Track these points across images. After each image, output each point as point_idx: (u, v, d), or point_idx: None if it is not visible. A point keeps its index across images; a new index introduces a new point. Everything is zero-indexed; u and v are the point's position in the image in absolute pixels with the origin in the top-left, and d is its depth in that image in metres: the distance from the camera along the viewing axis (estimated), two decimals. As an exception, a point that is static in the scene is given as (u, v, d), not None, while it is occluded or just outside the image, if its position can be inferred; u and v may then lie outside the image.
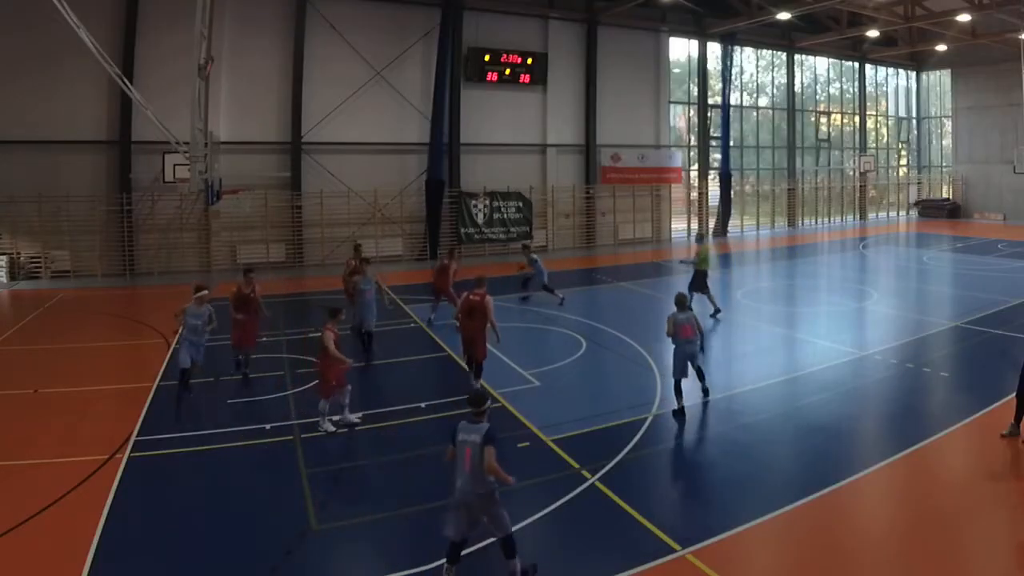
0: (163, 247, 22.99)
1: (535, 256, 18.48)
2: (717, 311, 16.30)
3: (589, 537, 7.01)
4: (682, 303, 10.60)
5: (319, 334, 9.85)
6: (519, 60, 27.80)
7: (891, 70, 42.10)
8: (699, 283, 16.63)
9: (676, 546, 6.66)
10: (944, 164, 42.47)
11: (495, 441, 6.00)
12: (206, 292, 11.10)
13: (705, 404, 10.55)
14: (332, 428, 9.61)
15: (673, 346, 10.26)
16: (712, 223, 33.92)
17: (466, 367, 11.40)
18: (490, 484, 5.98)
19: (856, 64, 39.71)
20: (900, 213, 42.09)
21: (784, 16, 28.94)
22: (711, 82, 34.31)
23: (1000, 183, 37.74)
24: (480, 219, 27.36)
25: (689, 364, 10.24)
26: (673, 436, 9.66)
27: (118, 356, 14.24)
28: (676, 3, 29.89)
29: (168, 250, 23.03)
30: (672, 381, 10.23)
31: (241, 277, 12.48)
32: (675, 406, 10.09)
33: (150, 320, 16.46)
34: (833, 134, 39.87)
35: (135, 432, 9.55)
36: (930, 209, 40.74)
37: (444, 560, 6.13)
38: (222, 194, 17.35)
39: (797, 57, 36.92)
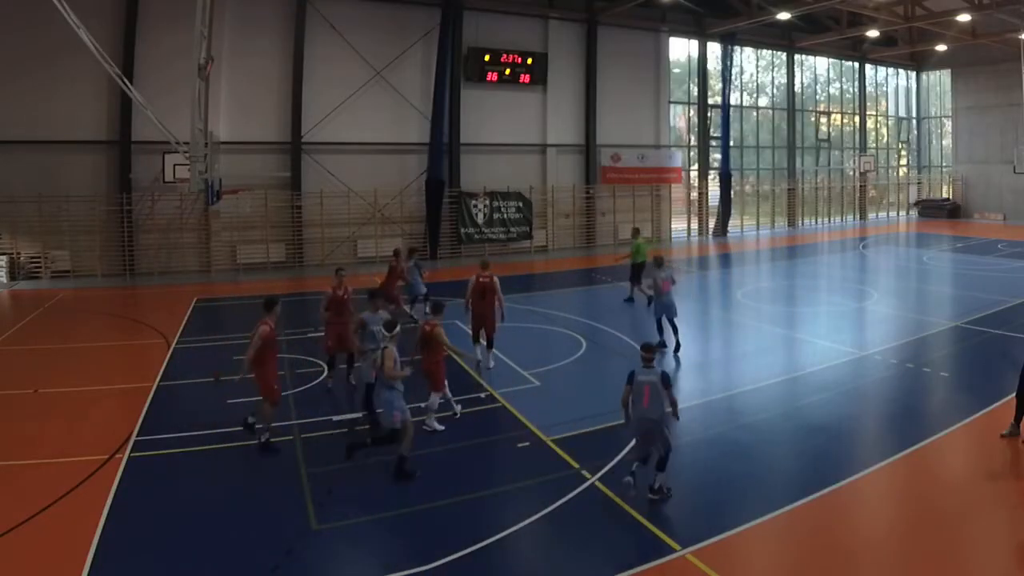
0: (163, 247, 22.99)
1: (413, 263, 16.20)
2: (650, 301, 16.95)
3: (589, 537, 7.01)
4: (660, 262, 13.54)
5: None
6: (519, 60, 27.79)
7: (891, 70, 42.09)
8: (635, 275, 18.04)
9: (676, 546, 6.66)
10: (944, 164, 42.46)
11: (671, 380, 7.84)
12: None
13: (676, 358, 12.90)
14: (440, 427, 9.59)
15: (654, 296, 13.58)
16: (712, 223, 33.93)
17: (473, 343, 12.40)
18: (663, 411, 7.68)
19: (856, 64, 39.70)
20: (900, 213, 42.08)
21: (784, 16, 28.94)
22: (711, 82, 34.31)
23: (1000, 183, 37.72)
24: (480, 219, 27.36)
25: (666, 316, 13.07)
26: (673, 436, 9.65)
27: (118, 356, 14.23)
28: (676, 3, 29.88)
29: (168, 250, 23.03)
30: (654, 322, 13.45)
31: (265, 311, 9.23)
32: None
33: (150, 320, 16.47)
34: (833, 134, 39.86)
35: (135, 432, 9.55)
36: (930, 209, 40.72)
37: (634, 465, 7.62)
38: (222, 194, 17.34)
39: (797, 57, 36.91)
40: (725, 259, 27.84)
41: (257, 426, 9.18)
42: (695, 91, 33.70)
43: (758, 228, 36.07)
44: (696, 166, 34.14)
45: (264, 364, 9.08)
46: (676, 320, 13.17)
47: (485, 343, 12.30)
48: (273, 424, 9.27)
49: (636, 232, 19.78)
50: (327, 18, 24.50)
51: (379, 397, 8.42)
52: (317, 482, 8.13)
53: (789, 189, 37.06)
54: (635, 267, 18.13)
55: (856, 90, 40.12)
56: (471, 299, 12.32)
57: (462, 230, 27.02)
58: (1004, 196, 37.90)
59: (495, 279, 12.31)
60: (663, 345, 12.90)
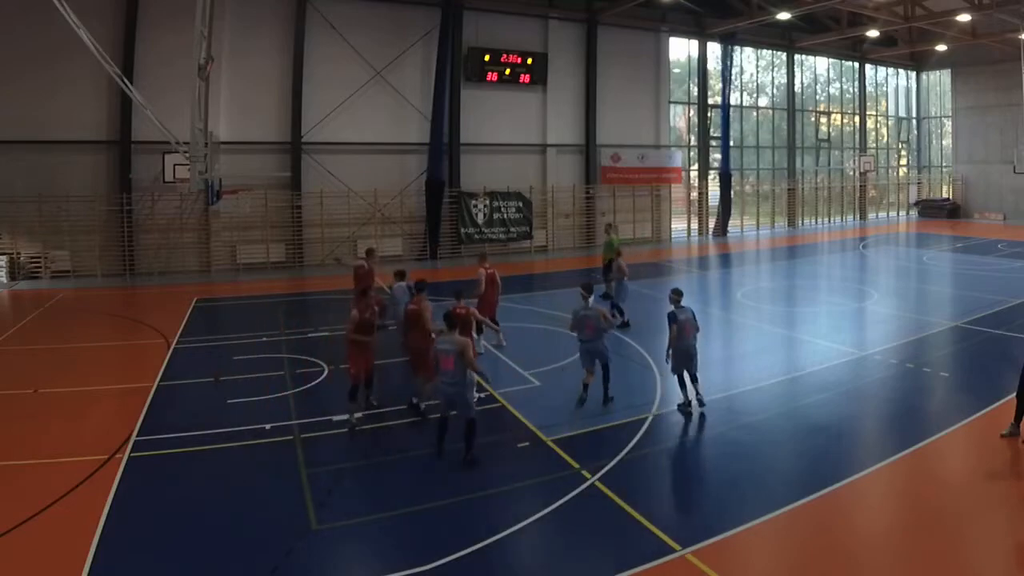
0: (163, 247, 22.99)
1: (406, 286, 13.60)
2: (606, 295, 18.14)
3: (589, 537, 7.01)
4: (619, 252, 16.39)
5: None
6: (519, 60, 27.77)
7: (891, 70, 42.09)
8: (606, 270, 18.43)
9: (676, 546, 6.66)
10: (944, 164, 42.46)
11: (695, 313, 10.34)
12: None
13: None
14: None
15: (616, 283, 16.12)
16: (712, 223, 33.93)
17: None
18: (695, 340, 10.22)
19: (856, 64, 39.69)
20: (900, 213, 42.07)
21: (784, 16, 28.94)
22: (711, 82, 34.30)
23: (1000, 183, 37.72)
24: (480, 219, 27.35)
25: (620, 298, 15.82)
26: (673, 436, 9.67)
27: (118, 356, 14.24)
28: (676, 3, 29.88)
29: (168, 250, 23.02)
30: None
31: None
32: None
33: (150, 320, 16.46)
34: (833, 134, 39.84)
35: (135, 432, 9.54)
36: (930, 209, 40.72)
37: (683, 391, 10.16)
38: (222, 194, 17.33)
39: (797, 57, 36.90)
40: (725, 259, 27.84)
41: (415, 401, 10.26)
42: (695, 91, 33.70)
43: (758, 228, 36.06)
44: (696, 166, 34.13)
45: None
46: (623, 305, 15.65)
47: (494, 325, 13.75)
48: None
49: (608, 228, 20.15)
50: (327, 18, 24.49)
51: (590, 352, 10.49)
52: (317, 482, 8.13)
53: (789, 189, 37.05)
54: (609, 263, 18.33)
55: (856, 90, 40.11)
56: (486, 289, 13.64)
57: (462, 230, 27.01)
58: (1004, 196, 37.90)
59: (495, 271, 14.06)
60: (625, 324, 15.26)
